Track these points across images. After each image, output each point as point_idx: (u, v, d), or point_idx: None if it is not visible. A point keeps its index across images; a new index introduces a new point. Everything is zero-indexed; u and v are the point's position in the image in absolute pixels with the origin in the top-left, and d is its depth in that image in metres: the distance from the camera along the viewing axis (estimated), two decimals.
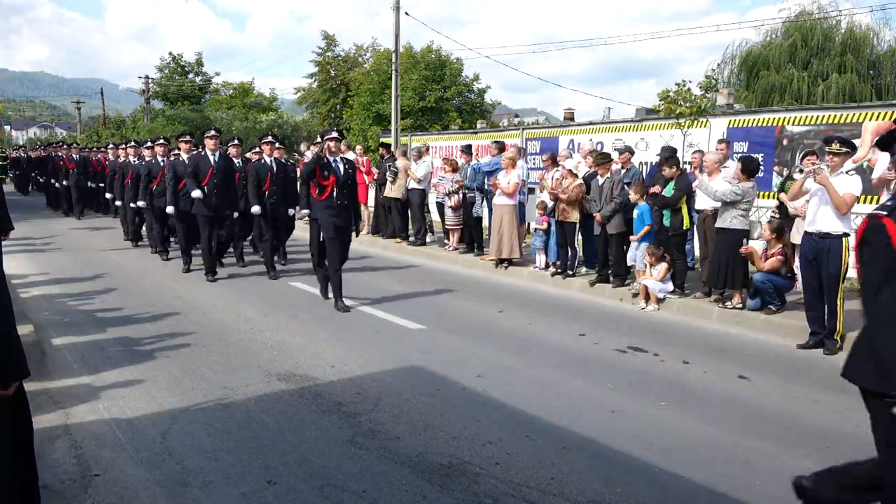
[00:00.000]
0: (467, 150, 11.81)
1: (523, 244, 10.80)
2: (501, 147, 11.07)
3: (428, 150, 13.08)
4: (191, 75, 37.72)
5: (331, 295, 7.65)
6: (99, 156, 17.49)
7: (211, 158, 9.10)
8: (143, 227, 12.31)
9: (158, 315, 7.01)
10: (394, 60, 21.13)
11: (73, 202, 17.34)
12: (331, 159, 7.46)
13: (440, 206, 11.93)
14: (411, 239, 12.41)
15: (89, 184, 17.38)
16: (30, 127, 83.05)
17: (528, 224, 11.65)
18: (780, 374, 5.53)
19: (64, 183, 17.54)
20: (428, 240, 12.50)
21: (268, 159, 9.75)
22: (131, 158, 12.49)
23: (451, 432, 4.13)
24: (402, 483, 3.48)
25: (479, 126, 20.66)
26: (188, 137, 10.15)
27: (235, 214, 9.73)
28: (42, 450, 3.75)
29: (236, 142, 10.64)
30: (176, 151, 11.41)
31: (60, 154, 18.30)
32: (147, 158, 11.47)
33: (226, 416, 4.33)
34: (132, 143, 13.06)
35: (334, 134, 7.69)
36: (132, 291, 8.25)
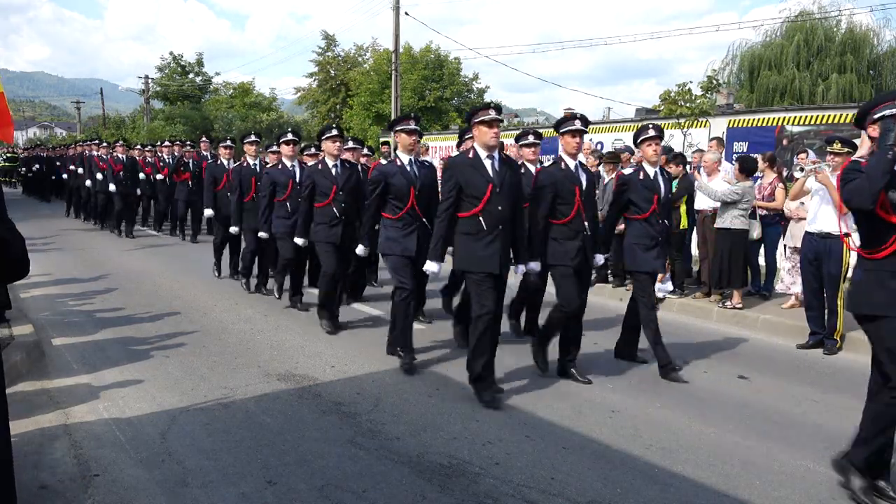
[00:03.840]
0: None
1: None
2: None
3: (427, 150, 13.09)
4: (191, 75, 37.73)
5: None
6: (147, 156, 14.25)
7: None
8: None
9: (158, 315, 7.01)
10: (394, 60, 21.16)
11: (119, 216, 13.62)
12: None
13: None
14: None
15: (138, 191, 14.04)
16: (30, 127, 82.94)
17: None
18: (780, 374, 5.53)
19: (111, 188, 13.42)
20: None
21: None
22: (224, 161, 9.32)
23: (450, 432, 4.13)
24: (402, 483, 3.48)
25: None
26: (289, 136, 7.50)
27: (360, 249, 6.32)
28: (42, 450, 3.76)
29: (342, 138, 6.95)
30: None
31: (100, 154, 14.18)
32: (248, 162, 8.24)
33: (226, 416, 4.33)
34: (226, 144, 9.63)
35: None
36: (132, 291, 8.25)
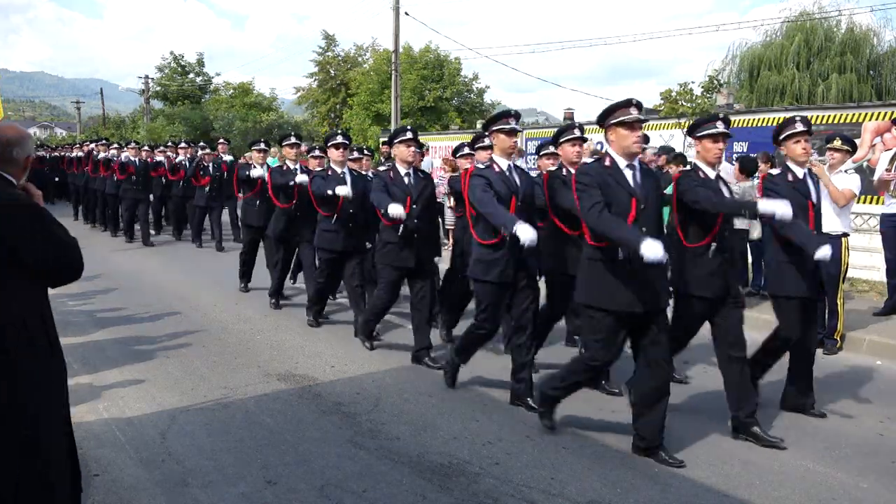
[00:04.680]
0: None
1: None
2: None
3: (427, 150, 13.08)
4: (191, 75, 37.73)
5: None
6: (159, 157, 13.11)
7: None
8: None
9: (158, 315, 7.01)
10: (393, 60, 21.16)
11: (130, 222, 12.65)
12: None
13: (440, 207, 11.91)
14: None
15: (151, 196, 12.88)
16: (30, 127, 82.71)
17: None
18: (780, 374, 5.52)
19: (120, 192, 12.54)
20: None
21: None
22: (288, 164, 7.38)
23: (451, 432, 4.13)
24: (402, 483, 3.48)
25: (478, 126, 20.67)
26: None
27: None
28: None
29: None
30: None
31: (110, 155, 13.13)
32: (289, 167, 7.24)
33: (226, 416, 4.34)
34: (260, 147, 8.42)
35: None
36: (132, 291, 8.25)
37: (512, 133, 4.48)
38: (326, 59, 32.29)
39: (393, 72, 21.25)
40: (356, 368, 5.37)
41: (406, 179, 5.43)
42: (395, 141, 5.55)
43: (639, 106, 3.81)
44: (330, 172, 6.37)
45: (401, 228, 5.29)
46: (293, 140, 7.36)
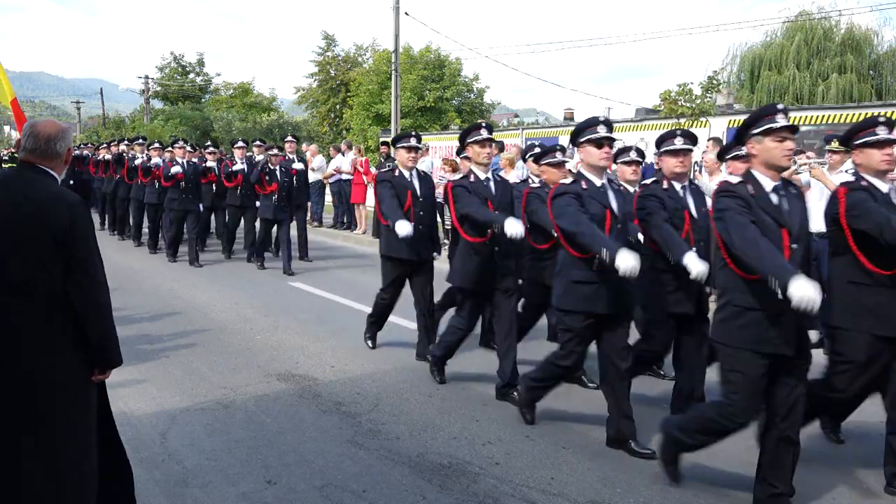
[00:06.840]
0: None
1: None
2: (501, 147, 11.08)
3: (427, 150, 13.09)
4: (191, 75, 37.79)
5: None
6: (208, 159, 11.00)
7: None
8: None
9: (158, 315, 7.01)
10: (393, 60, 21.14)
11: (176, 236, 10.52)
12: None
13: (441, 207, 11.88)
14: None
15: (200, 206, 10.55)
16: None
17: None
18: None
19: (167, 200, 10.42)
20: None
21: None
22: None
23: (450, 432, 4.14)
24: (402, 483, 3.49)
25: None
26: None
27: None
28: None
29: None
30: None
31: (151, 157, 10.93)
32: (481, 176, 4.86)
33: (226, 416, 4.34)
34: (410, 143, 5.57)
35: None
36: (132, 291, 8.25)
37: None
38: (326, 59, 32.30)
39: (393, 72, 21.23)
40: (356, 368, 5.37)
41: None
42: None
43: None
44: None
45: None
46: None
